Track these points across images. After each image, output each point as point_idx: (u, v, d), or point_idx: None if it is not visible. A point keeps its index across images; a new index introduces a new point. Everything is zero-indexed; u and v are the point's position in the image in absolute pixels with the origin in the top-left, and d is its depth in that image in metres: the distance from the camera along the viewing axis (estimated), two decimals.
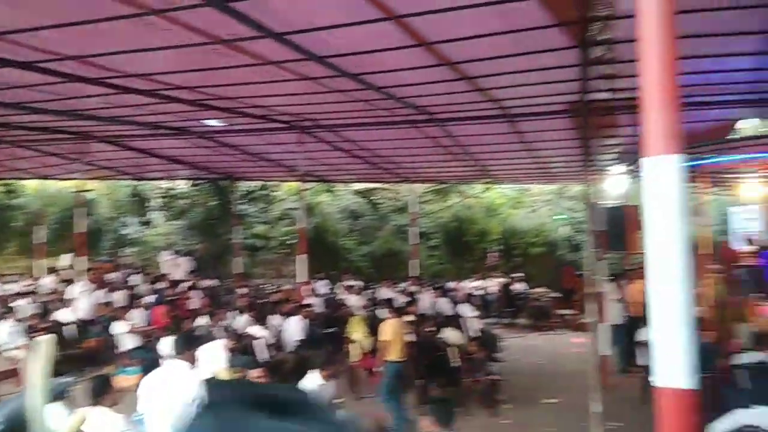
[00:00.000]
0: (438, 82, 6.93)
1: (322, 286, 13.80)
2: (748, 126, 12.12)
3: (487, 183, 18.12)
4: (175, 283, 13.51)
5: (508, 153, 11.48)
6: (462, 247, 19.49)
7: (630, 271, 10.52)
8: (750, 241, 13.72)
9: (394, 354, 7.22)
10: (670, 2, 1.21)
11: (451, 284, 15.00)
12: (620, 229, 12.46)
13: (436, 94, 7.50)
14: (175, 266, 16.17)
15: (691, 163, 9.66)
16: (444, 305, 11.42)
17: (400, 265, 17.53)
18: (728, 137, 9.99)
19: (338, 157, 12.12)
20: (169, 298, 11.54)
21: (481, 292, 15.55)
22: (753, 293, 12.66)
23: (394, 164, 13.24)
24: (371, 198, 21.27)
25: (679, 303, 1.18)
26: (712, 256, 15.35)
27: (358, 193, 21.28)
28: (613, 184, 14.24)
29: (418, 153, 11.75)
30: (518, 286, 16.18)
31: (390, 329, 7.28)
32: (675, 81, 1.23)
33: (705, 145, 9.29)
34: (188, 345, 4.65)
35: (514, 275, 16.59)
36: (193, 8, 4.68)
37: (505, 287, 15.82)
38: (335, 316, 10.43)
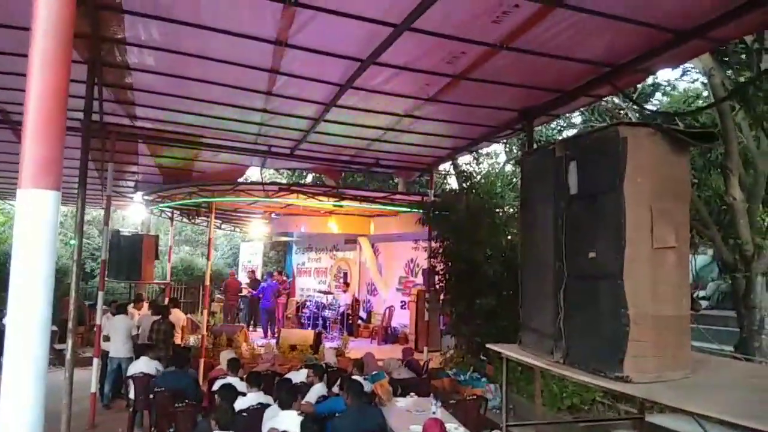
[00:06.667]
0: None
1: None
2: (254, 172, 13.81)
3: None
4: None
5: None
6: None
7: (137, 302, 10.30)
8: (252, 274, 15.56)
9: None
10: (68, 26, 1.09)
11: None
12: (136, 257, 12.26)
13: None
14: None
15: (207, 200, 10.30)
16: None
17: None
18: (240, 180, 11.12)
19: None
20: None
21: None
22: (247, 321, 14.38)
23: None
24: None
25: (34, 353, 1.05)
26: (219, 287, 16.81)
27: None
28: (132, 212, 13.98)
29: None
30: None
31: None
32: (63, 114, 1.11)
33: (221, 185, 10.03)
34: None
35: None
36: None
37: None
38: None
